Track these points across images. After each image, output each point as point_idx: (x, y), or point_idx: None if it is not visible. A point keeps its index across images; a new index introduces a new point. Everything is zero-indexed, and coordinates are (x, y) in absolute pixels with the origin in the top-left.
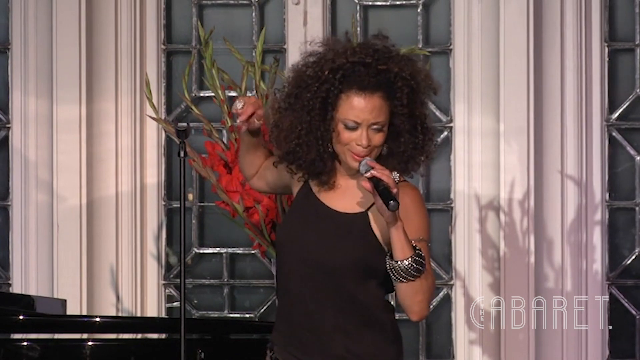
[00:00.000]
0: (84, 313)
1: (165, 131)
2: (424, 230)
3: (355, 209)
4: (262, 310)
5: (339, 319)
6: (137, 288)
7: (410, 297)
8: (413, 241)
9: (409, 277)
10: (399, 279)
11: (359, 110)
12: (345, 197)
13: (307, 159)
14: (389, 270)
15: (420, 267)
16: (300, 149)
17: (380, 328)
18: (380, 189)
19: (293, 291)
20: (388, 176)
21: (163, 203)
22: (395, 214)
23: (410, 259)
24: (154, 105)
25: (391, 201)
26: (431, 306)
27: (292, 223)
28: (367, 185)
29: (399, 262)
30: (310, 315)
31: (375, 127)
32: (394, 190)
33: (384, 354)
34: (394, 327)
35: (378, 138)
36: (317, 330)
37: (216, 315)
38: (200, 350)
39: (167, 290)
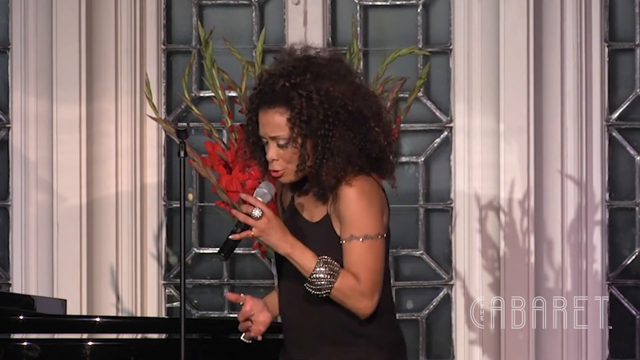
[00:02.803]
0: (84, 313)
1: (165, 131)
2: (354, 227)
3: (321, 214)
4: None
5: (322, 330)
6: (137, 288)
7: (341, 303)
8: (344, 241)
9: (326, 287)
10: (322, 293)
11: (261, 125)
12: (317, 203)
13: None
14: (310, 292)
15: (330, 272)
16: (247, 145)
17: (368, 337)
18: (231, 232)
19: (282, 297)
20: (245, 216)
21: (163, 203)
22: (277, 244)
23: (314, 271)
24: (154, 105)
25: (220, 253)
26: (431, 306)
27: None
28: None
29: (308, 281)
30: (292, 321)
31: (276, 142)
32: (250, 233)
33: None
34: (388, 332)
35: (285, 154)
36: (302, 344)
37: (216, 315)
38: (195, 350)
39: (167, 290)
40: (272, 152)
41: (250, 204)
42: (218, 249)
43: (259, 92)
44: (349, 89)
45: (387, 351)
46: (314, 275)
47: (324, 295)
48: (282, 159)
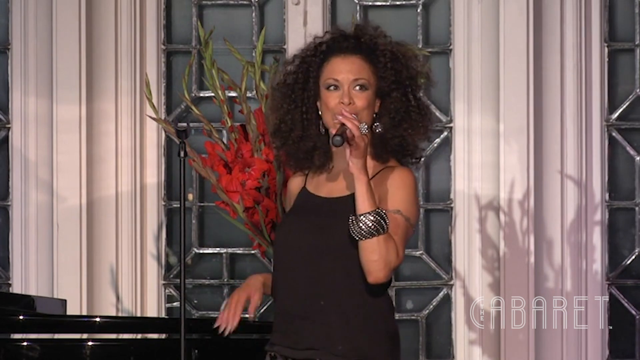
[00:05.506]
0: (84, 313)
1: (165, 131)
2: (404, 206)
3: (344, 192)
4: (262, 310)
5: (328, 305)
6: (137, 288)
7: (366, 255)
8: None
9: (365, 234)
10: (357, 235)
11: (338, 69)
12: (338, 182)
13: (293, 137)
14: (349, 227)
15: (378, 226)
16: (285, 125)
17: (374, 319)
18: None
19: (286, 284)
20: (353, 123)
21: (163, 203)
22: (360, 168)
23: (368, 214)
24: (154, 105)
25: (336, 136)
26: (431, 306)
27: (285, 221)
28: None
29: (356, 217)
30: (301, 302)
31: (357, 85)
32: (359, 142)
33: (378, 348)
34: (389, 318)
35: (361, 98)
36: (309, 317)
37: (216, 315)
38: (195, 350)
39: (167, 290)
40: (353, 97)
41: (349, 118)
42: (333, 135)
43: (329, 41)
44: (419, 68)
45: (393, 340)
46: (367, 216)
47: (358, 238)
48: (356, 103)
